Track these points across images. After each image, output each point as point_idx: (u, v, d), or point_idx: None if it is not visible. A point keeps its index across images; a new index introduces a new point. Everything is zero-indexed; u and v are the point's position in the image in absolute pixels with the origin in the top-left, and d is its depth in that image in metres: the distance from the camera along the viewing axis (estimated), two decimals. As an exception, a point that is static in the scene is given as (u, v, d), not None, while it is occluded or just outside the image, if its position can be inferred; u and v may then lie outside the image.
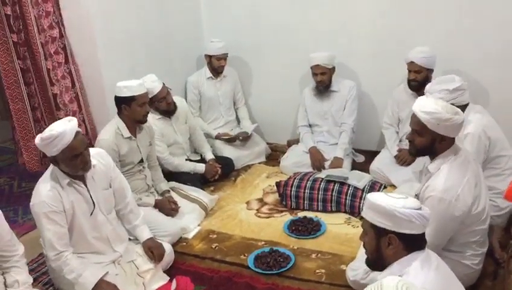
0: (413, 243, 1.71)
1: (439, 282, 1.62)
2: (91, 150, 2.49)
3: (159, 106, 3.50)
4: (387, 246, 1.72)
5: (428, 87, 2.84)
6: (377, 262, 1.80)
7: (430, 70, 3.44)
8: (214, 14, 4.40)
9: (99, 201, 2.53)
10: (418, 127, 2.22)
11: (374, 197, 1.75)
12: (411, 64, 3.43)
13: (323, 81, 3.81)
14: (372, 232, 1.76)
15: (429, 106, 2.17)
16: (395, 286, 1.30)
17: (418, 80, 3.43)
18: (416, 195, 2.40)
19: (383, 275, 1.70)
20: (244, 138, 4.15)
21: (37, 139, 2.31)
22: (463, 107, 2.65)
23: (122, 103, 3.01)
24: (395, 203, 1.69)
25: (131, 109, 3.00)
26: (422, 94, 3.47)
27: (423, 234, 1.73)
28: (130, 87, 2.97)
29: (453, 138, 2.22)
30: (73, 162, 2.33)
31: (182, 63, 4.29)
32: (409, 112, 3.60)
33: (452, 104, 2.30)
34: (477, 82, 3.51)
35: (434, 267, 1.68)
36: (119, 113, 3.06)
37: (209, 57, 4.10)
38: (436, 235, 2.14)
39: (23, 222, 3.41)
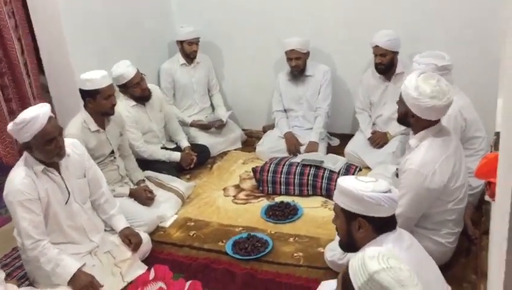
0: (383, 225, 1.74)
1: (412, 262, 1.63)
2: (65, 140, 2.44)
3: (133, 92, 3.44)
4: (357, 230, 1.76)
5: (416, 57, 2.84)
6: (349, 244, 1.83)
7: (396, 53, 3.46)
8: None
9: (73, 190, 2.50)
10: (400, 95, 2.28)
11: (343, 181, 1.78)
12: (376, 48, 3.45)
13: (298, 66, 3.80)
14: (343, 216, 1.79)
15: (409, 78, 2.21)
16: (377, 259, 1.33)
17: (384, 63, 3.46)
18: (397, 169, 2.43)
19: None
20: (219, 126, 4.13)
21: (10, 126, 2.27)
22: None
23: (86, 96, 2.92)
24: (363, 188, 1.71)
25: (96, 102, 2.91)
26: (390, 77, 3.54)
27: (393, 216, 1.76)
28: (93, 80, 2.87)
29: (429, 120, 2.22)
30: (48, 147, 2.29)
31: (153, 50, 4.20)
32: (379, 96, 3.66)
33: None
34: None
35: (405, 247, 1.72)
36: (85, 106, 2.97)
37: (181, 43, 4.05)
38: (409, 207, 2.20)
39: (-6, 216, 3.34)
